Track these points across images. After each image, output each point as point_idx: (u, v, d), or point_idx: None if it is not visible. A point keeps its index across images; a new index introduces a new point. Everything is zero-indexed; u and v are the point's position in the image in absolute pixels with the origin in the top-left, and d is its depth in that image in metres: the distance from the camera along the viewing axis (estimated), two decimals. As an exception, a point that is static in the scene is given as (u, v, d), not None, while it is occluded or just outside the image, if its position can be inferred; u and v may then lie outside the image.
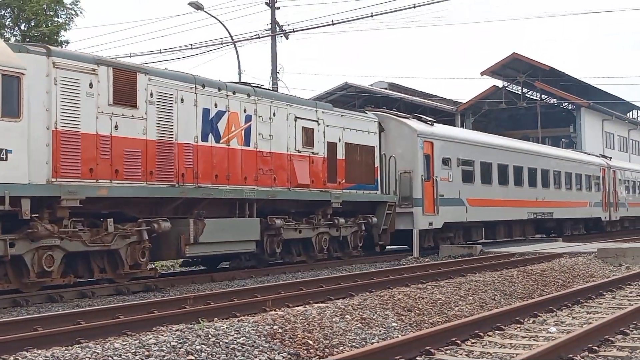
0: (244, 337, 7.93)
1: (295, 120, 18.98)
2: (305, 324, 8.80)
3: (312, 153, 19.56)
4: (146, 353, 7.05)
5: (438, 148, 24.26)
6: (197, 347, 7.41)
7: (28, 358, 6.65)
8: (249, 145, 17.36)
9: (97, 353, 6.90)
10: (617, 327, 8.63)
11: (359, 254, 21.20)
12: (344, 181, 20.67)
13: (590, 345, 7.64)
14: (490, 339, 8.55)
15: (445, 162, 24.64)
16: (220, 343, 7.65)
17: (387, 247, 24.26)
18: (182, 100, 15.75)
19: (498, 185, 27.98)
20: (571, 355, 7.09)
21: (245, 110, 17.36)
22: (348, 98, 50.97)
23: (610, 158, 43.17)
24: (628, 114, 69.59)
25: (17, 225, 12.55)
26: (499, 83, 56.40)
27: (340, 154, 20.66)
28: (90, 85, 13.73)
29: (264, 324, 8.53)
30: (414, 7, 30.93)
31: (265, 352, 7.64)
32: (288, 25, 35.58)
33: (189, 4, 33.25)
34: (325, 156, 20.04)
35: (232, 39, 35.73)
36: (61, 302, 12.63)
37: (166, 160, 15.21)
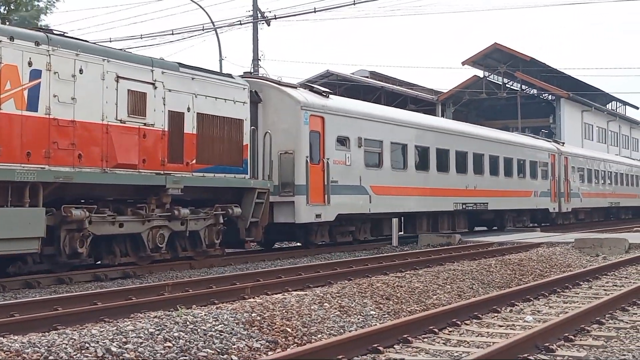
0: (222, 325, 7.92)
1: (117, 81, 14.73)
2: (284, 311, 8.81)
3: (144, 124, 15.29)
4: (124, 340, 7.03)
5: (332, 124, 20.41)
6: (175, 334, 7.39)
7: (4, 344, 6.60)
8: (35, 111, 13.14)
9: (74, 339, 6.86)
10: (593, 317, 8.70)
11: (222, 253, 17.35)
12: (194, 162, 16.46)
13: (567, 335, 7.70)
14: (468, 328, 8.60)
15: (342, 141, 20.92)
16: (198, 330, 7.64)
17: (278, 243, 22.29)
18: None
19: (415, 170, 24.32)
20: (547, 344, 7.14)
21: (31, 64, 13.16)
22: (329, 86, 50.79)
23: (563, 143, 39.76)
24: (607, 106, 70.05)
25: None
26: (480, 73, 56.60)
27: (190, 128, 16.39)
28: None
29: (242, 311, 8.53)
30: (396, -5, 30.89)
31: (244, 340, 7.64)
32: (270, 12, 35.59)
33: (170, -11, 33.04)
34: (166, 129, 15.77)
35: (214, 25, 35.61)
36: (38, 288, 12.56)
37: None
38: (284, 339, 7.92)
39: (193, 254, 16.76)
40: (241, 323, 8.11)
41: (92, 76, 14.31)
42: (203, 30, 35.75)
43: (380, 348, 7.15)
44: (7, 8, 31.02)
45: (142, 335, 7.23)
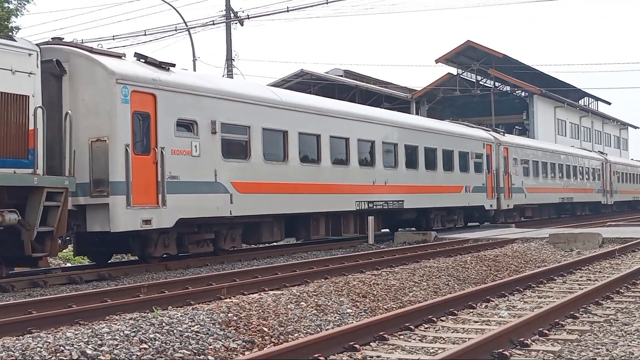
0: (199, 325, 7.90)
1: None
2: (260, 311, 8.80)
3: None
4: (99, 342, 6.99)
5: (169, 104, 16.02)
6: (151, 336, 7.36)
7: (-22, 348, 6.54)
8: None
9: (49, 342, 6.82)
10: (567, 311, 8.78)
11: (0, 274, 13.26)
12: None
13: (541, 329, 7.76)
14: (444, 324, 8.64)
15: (187, 126, 16.57)
16: (175, 331, 7.61)
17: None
18: None
19: (300, 164, 20.03)
20: (522, 339, 7.19)
21: None
22: (304, 85, 50.94)
23: (504, 133, 35.72)
24: (580, 102, 70.64)
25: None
26: (454, 70, 56.85)
27: None
28: None
29: (218, 311, 8.51)
30: (369, -6, 30.93)
31: (220, 340, 7.63)
32: (243, 11, 35.49)
33: (142, -11, 32.84)
34: None
35: (187, 25, 35.48)
36: (12, 292, 12.45)
37: None
38: (260, 339, 7.92)
39: None
40: (217, 323, 8.09)
41: None
42: (176, 30, 35.63)
43: (357, 346, 7.16)
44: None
45: (117, 337, 7.20)
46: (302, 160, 20.27)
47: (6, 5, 30.84)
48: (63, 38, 16.28)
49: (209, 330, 7.84)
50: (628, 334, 7.80)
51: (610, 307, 9.58)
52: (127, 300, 10.31)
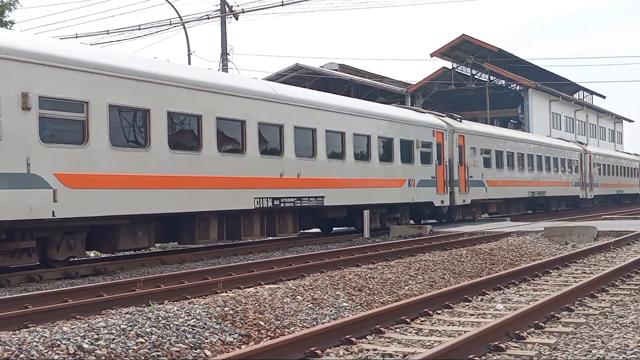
0: (195, 319, 7.91)
1: None
2: (257, 305, 8.81)
3: None
4: (95, 336, 6.99)
5: None
6: (147, 330, 7.36)
7: (-26, 343, 6.54)
8: None
9: (46, 337, 6.81)
10: (562, 304, 8.80)
11: None
12: None
13: (537, 322, 7.78)
14: (440, 317, 8.66)
15: None
16: (171, 325, 7.62)
17: None
18: None
19: (170, 151, 15.97)
20: (518, 332, 7.21)
21: None
22: (299, 79, 50.89)
23: (460, 119, 31.53)
24: (574, 95, 70.73)
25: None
26: (449, 64, 56.86)
27: None
28: None
29: (215, 305, 8.52)
30: (365, -12, 30.88)
31: (217, 334, 7.64)
32: (237, 5, 35.51)
33: (136, -16, 32.75)
34: None
35: (181, 20, 35.41)
36: (8, 287, 12.45)
37: None
38: (257, 333, 7.93)
39: None
40: (214, 317, 8.10)
41: None
42: (171, 25, 35.57)
43: (353, 339, 7.18)
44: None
45: (114, 331, 7.20)
46: (174, 147, 16.14)
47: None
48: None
49: (206, 324, 7.85)
50: (623, 326, 7.83)
51: (605, 300, 9.61)
52: (123, 294, 10.31)
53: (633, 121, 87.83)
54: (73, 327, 7.30)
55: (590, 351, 6.69)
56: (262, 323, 8.22)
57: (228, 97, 17.69)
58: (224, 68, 34.63)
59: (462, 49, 54.96)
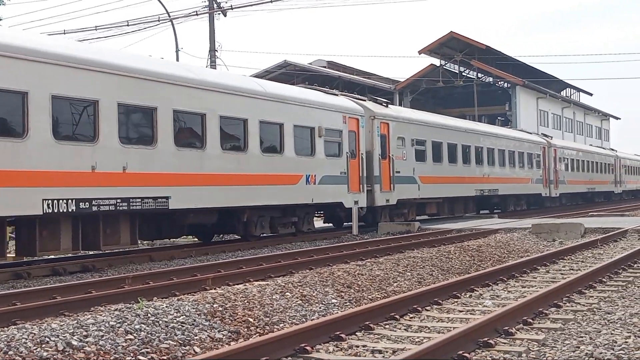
0: (184, 316, 7.90)
1: None
2: (246, 302, 8.81)
3: None
4: (84, 333, 6.97)
5: None
6: (137, 327, 7.36)
7: (-38, 340, 6.51)
8: None
9: (34, 334, 6.80)
10: (550, 300, 8.84)
11: None
12: None
13: (525, 318, 7.82)
14: (428, 314, 8.68)
15: None
16: (160, 322, 7.61)
17: None
18: None
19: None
20: (507, 328, 7.24)
21: None
22: (287, 76, 50.90)
23: (387, 104, 26.84)
24: (562, 92, 71.02)
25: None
26: (437, 61, 56.98)
27: None
28: None
29: (204, 302, 8.52)
30: (353, -16, 30.91)
31: (206, 331, 7.64)
32: (226, 2, 35.34)
33: (124, -20, 32.65)
34: None
35: (169, 16, 35.34)
36: (-4, 284, 12.40)
37: None
38: (246, 329, 7.94)
39: None
40: (203, 314, 8.10)
41: None
42: (159, 21, 35.48)
43: (343, 335, 7.19)
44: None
45: (103, 328, 7.19)
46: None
47: (-13, -5, 30.59)
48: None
49: (195, 321, 7.85)
50: (611, 322, 7.87)
51: (593, 296, 9.66)
52: (112, 291, 10.29)
53: (620, 119, 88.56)
54: (62, 323, 7.29)
55: (579, 347, 6.72)
56: (251, 320, 8.23)
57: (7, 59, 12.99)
58: (212, 64, 34.59)
59: (450, 46, 55.12)
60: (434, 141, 28.19)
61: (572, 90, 75.50)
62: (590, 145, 60.00)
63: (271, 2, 33.24)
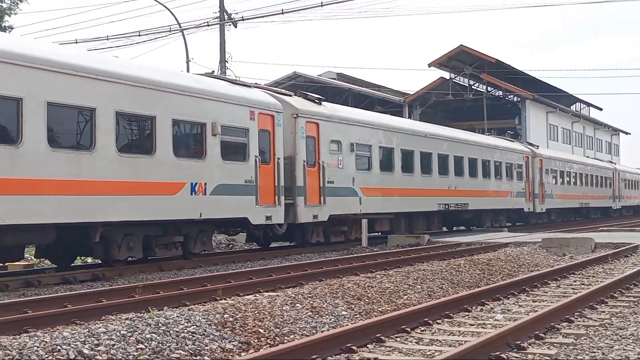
0: (195, 326, 7.90)
1: None
2: (256, 312, 8.80)
3: None
4: (95, 342, 6.97)
5: None
6: (147, 336, 7.36)
7: (-26, 347, 6.52)
8: None
9: (46, 342, 6.80)
10: (562, 315, 8.81)
11: None
12: None
13: (537, 332, 7.79)
14: (439, 327, 8.66)
15: None
16: (171, 332, 7.61)
17: None
18: None
19: None
20: (518, 342, 7.21)
21: None
22: (297, 88, 50.92)
23: (320, 102, 22.23)
24: (572, 107, 70.90)
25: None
26: (446, 75, 56.98)
27: None
28: None
29: (214, 312, 8.51)
30: (364, -3, 30.98)
31: (216, 341, 7.63)
32: (237, 13, 35.50)
33: (136, -10, 32.78)
34: None
35: (180, 27, 35.46)
36: (6, 291, 12.42)
37: None
38: (256, 340, 7.92)
39: None
40: (213, 324, 8.09)
41: None
42: (170, 31, 35.61)
43: (354, 347, 7.17)
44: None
45: (114, 337, 7.19)
46: None
47: (0, 4, 30.78)
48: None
49: (205, 331, 7.84)
50: (623, 338, 7.83)
51: (605, 312, 9.62)
52: (123, 300, 10.30)
53: (630, 133, 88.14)
54: (73, 332, 7.29)
55: (591, 362, 6.69)
56: (261, 331, 8.22)
57: None
58: (222, 75, 34.66)
59: (460, 59, 55.10)
60: (383, 147, 24.38)
61: (581, 104, 75.35)
62: (587, 157, 56.58)
63: (282, 13, 33.32)
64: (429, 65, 55.11)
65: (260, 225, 18.89)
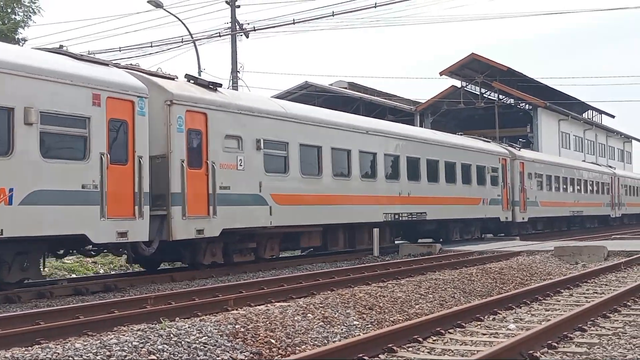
0: (206, 337, 7.90)
1: None
2: (267, 322, 8.80)
3: None
4: (107, 353, 6.99)
5: None
6: (159, 347, 7.36)
7: (-13, 359, 6.55)
8: None
9: (58, 353, 6.82)
10: (575, 324, 8.76)
11: None
12: None
13: (550, 342, 7.75)
14: (452, 336, 8.62)
15: None
16: (183, 342, 7.61)
17: None
18: None
19: None
20: (531, 352, 7.18)
21: None
22: (308, 97, 51.00)
23: (214, 87, 17.75)
24: (584, 114, 70.66)
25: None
26: (458, 83, 56.94)
27: None
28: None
29: (226, 323, 8.51)
30: (375, 6, 30.99)
31: (228, 352, 7.63)
32: (248, 24, 35.52)
33: (148, 1, 32.97)
34: None
35: (192, 37, 35.57)
36: (19, 303, 12.45)
37: None
38: (268, 350, 7.92)
39: None
40: (225, 335, 8.09)
41: None
42: (182, 42, 35.72)
43: (366, 358, 7.15)
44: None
45: (126, 348, 7.20)
46: None
47: (13, 17, 30.94)
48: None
49: (217, 341, 7.84)
50: (637, 347, 7.78)
51: (618, 320, 9.56)
52: (135, 311, 10.31)
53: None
54: (85, 343, 7.31)
55: (605, 372, 6.65)
56: (273, 341, 8.21)
57: None
58: (234, 86, 34.75)
59: (472, 67, 55.05)
60: (305, 145, 20.00)
61: (594, 112, 75.09)
62: (584, 161, 51.47)
63: (293, 23, 33.38)
64: (441, 73, 55.09)
65: (110, 244, 14.62)
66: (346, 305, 10.40)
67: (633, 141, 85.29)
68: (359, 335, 8.71)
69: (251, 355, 7.69)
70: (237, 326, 8.43)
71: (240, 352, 7.69)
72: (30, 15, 31.30)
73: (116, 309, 10.76)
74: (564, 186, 39.96)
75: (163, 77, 16.82)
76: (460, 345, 8.18)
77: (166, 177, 15.78)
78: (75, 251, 15.93)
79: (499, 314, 10.26)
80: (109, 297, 13.07)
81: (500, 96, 58.07)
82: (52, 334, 8.51)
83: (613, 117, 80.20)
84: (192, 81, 17.66)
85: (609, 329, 8.88)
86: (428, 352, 7.77)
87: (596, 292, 12.76)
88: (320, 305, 10.19)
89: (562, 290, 12.84)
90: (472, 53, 54.04)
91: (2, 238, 12.26)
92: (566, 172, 40.69)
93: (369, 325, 9.68)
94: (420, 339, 8.18)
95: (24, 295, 12.94)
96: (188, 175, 16.16)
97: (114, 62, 15.55)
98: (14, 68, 12.74)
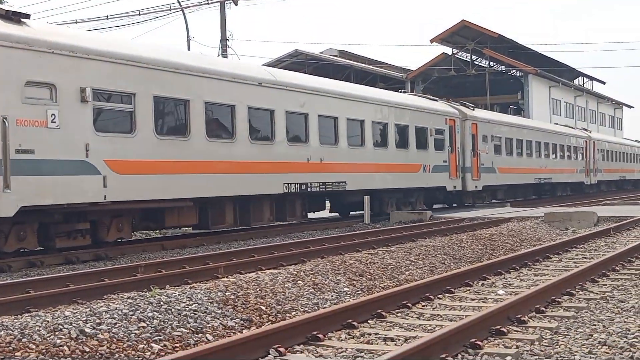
0: (197, 304, 7.91)
1: None
2: (258, 290, 8.82)
3: None
4: (97, 321, 6.99)
5: None
6: (149, 314, 7.37)
7: (-24, 327, 6.54)
8: None
9: (48, 321, 6.82)
10: (563, 289, 8.81)
11: None
12: None
13: (538, 306, 7.79)
14: (441, 302, 8.67)
15: None
16: (173, 310, 7.62)
17: None
18: None
19: None
20: (519, 316, 7.22)
21: None
22: (298, 65, 50.81)
23: (19, 17, 13.40)
24: (574, 81, 70.64)
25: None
26: (449, 50, 56.78)
27: None
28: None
29: (216, 290, 8.52)
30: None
31: (218, 319, 7.65)
32: (237, -9, 35.20)
33: (135, -31, 32.59)
34: None
35: (180, 5, 35.31)
36: (9, 272, 12.46)
37: None
38: (258, 317, 7.94)
39: None
40: (215, 302, 8.10)
41: None
42: (170, 10, 35.50)
43: (355, 323, 7.18)
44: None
45: (115, 316, 7.20)
46: None
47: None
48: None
49: (207, 309, 7.85)
50: (624, 310, 7.84)
51: (606, 285, 9.62)
52: (125, 279, 10.32)
53: (633, 107, 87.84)
54: (75, 311, 7.31)
55: (592, 335, 6.70)
56: (263, 308, 8.23)
57: None
58: (224, 54, 34.56)
59: (462, 34, 54.88)
60: (164, 97, 16.05)
61: (585, 78, 75.07)
62: (556, 123, 48.02)
63: (282, -10, 33.12)
64: (431, 40, 54.92)
65: None
66: (336, 272, 10.43)
67: (624, 107, 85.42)
68: (349, 301, 8.75)
69: (241, 322, 7.72)
70: (227, 293, 8.44)
71: (231, 319, 7.71)
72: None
73: (106, 277, 10.78)
74: (528, 151, 36.00)
75: None
76: (449, 310, 8.22)
77: None
78: None
79: (488, 279, 10.32)
80: (100, 266, 13.08)
81: (491, 63, 57.97)
82: (42, 302, 8.52)
83: (604, 83, 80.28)
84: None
85: (597, 294, 8.93)
86: (417, 317, 7.81)
87: (585, 257, 12.82)
88: (311, 272, 10.22)
89: (551, 256, 12.91)
90: (463, 20, 53.85)
91: None
92: (530, 134, 36.33)
93: (359, 292, 9.72)
94: (409, 304, 8.22)
95: (14, 264, 12.95)
96: None
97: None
98: None
